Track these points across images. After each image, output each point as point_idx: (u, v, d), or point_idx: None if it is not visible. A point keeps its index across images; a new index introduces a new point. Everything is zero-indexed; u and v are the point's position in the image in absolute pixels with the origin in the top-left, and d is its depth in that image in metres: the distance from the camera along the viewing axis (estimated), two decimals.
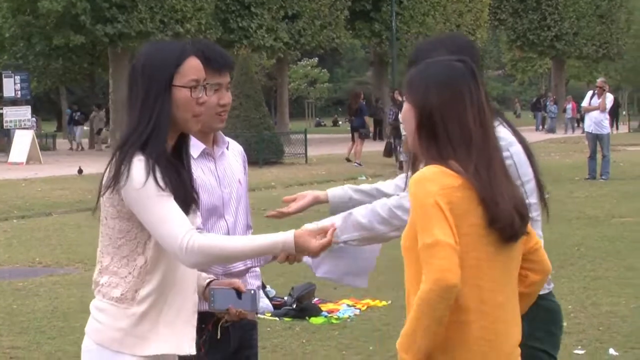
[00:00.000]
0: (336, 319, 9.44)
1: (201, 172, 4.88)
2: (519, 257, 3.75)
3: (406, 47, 55.76)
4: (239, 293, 4.21)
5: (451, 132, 3.64)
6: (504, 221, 3.54)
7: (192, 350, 4.13)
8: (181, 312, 4.08)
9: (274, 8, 48.50)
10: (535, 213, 4.25)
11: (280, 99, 55.03)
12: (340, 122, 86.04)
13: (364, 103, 38.01)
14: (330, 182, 25.87)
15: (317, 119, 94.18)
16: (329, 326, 9.38)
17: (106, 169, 3.90)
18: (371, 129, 45.23)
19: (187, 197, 3.99)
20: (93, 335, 4.07)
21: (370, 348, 8.41)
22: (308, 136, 35.81)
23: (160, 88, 3.93)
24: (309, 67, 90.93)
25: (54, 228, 18.11)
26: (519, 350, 3.73)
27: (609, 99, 23.59)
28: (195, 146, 4.84)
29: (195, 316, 4.19)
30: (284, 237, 3.84)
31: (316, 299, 9.92)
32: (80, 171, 29.54)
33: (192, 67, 3.97)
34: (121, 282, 4.01)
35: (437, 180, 3.56)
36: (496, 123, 4.02)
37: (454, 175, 3.57)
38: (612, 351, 8.02)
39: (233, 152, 5.08)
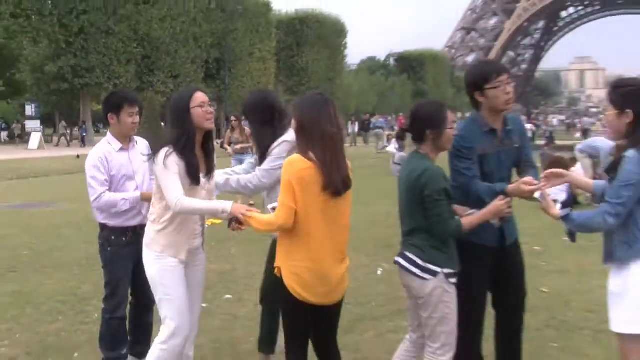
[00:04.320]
0: None
1: (122, 157, 6.59)
2: (346, 208, 5.08)
3: (233, 92, 67.25)
4: None
5: (312, 135, 4.83)
6: (333, 186, 4.80)
7: (183, 257, 5.60)
8: (185, 233, 5.58)
9: (166, 71, 60.83)
10: None
11: None
12: None
13: None
14: None
15: None
16: None
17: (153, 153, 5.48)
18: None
19: (195, 178, 5.40)
20: (145, 240, 5.62)
21: None
22: None
23: (183, 112, 5.43)
24: None
25: None
26: (341, 262, 5.08)
27: None
28: (113, 143, 6.62)
29: (197, 239, 5.76)
30: (225, 205, 5.23)
31: None
32: (77, 156, 35.41)
33: (199, 97, 5.48)
34: (154, 212, 5.54)
35: (295, 164, 4.80)
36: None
37: (305, 161, 4.78)
38: None
39: (141, 145, 6.73)
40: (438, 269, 5.19)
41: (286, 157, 5.14)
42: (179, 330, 5.54)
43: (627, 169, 4.64)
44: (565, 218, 4.94)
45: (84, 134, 58.47)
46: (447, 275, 5.22)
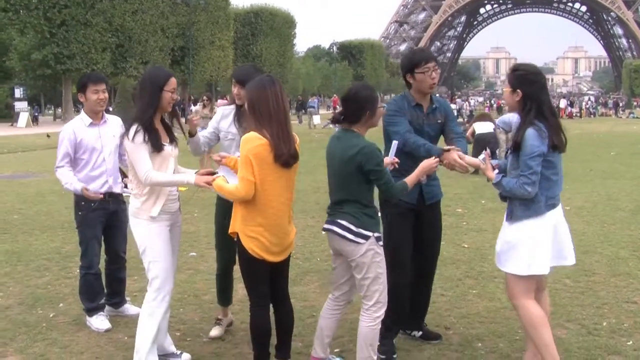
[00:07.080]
0: None
1: (91, 132, 6.54)
2: (294, 177, 5.02)
3: (196, 76, 67.60)
4: None
5: (262, 113, 4.79)
6: (282, 159, 4.78)
7: (169, 221, 5.46)
8: (165, 199, 5.42)
9: (137, 58, 59.89)
10: None
11: None
12: None
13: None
14: None
15: None
16: None
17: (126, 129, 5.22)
18: None
19: (158, 146, 5.22)
20: (130, 210, 5.46)
21: None
22: None
23: (156, 90, 5.19)
24: None
25: None
26: (290, 225, 5.06)
27: None
28: (85, 119, 6.59)
29: (175, 203, 5.54)
30: (189, 177, 5.16)
31: None
32: (48, 135, 33.61)
33: (173, 82, 5.26)
34: (134, 187, 5.42)
35: (251, 141, 4.77)
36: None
37: (260, 138, 4.74)
38: None
39: (113, 122, 6.64)
40: (370, 233, 5.09)
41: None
42: (164, 288, 5.41)
43: (529, 144, 4.82)
44: (497, 184, 5.09)
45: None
46: (377, 239, 5.14)
